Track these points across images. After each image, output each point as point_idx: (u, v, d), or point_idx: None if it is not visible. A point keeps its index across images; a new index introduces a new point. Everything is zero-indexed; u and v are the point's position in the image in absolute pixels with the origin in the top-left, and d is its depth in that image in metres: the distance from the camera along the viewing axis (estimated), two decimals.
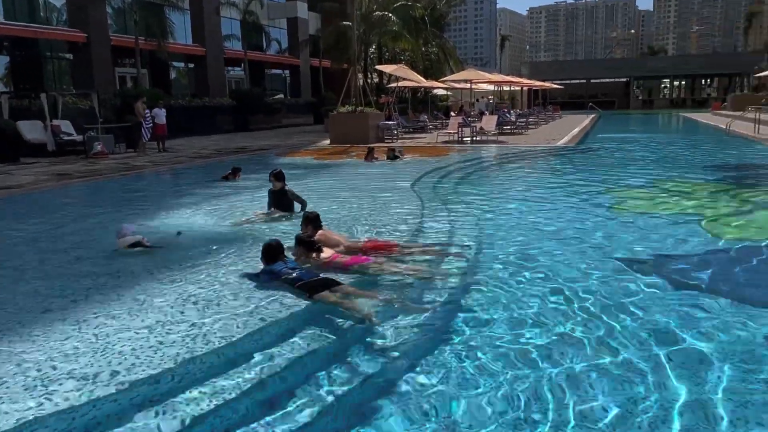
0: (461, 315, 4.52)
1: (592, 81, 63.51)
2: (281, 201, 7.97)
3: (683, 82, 65.01)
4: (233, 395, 3.28)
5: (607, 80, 64.34)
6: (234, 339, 3.84)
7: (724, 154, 16.88)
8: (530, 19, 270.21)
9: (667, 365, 3.63)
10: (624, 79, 63.79)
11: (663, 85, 68.60)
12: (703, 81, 66.62)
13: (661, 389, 3.34)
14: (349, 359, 3.80)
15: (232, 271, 5.35)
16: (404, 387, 3.45)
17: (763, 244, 6.48)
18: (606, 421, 3.05)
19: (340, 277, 4.97)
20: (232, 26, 35.06)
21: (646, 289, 5.03)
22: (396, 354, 3.90)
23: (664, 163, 15.31)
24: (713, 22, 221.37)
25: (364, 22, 32.00)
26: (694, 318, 4.39)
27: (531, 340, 4.04)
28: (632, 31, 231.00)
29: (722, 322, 4.27)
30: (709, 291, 4.93)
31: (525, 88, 45.37)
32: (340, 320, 4.37)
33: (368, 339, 4.09)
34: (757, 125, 21.71)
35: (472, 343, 4.01)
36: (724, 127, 24.62)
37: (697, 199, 9.30)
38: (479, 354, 3.84)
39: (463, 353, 3.87)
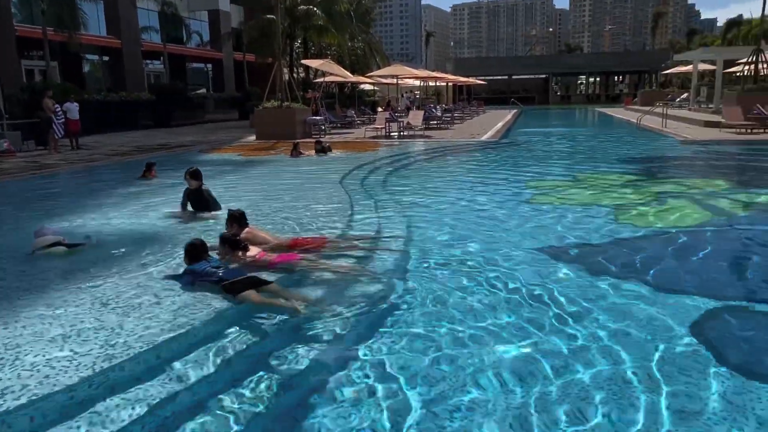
0: (392, 309, 4.56)
1: (514, 77, 65.50)
2: (199, 201, 7.70)
3: (598, 79, 68.23)
4: (157, 401, 3.17)
5: (528, 77, 66.58)
6: (156, 343, 3.69)
7: (635, 147, 17.86)
8: (454, 16, 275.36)
9: (591, 346, 3.81)
10: (543, 76, 66.22)
11: (579, 82, 71.74)
12: (615, 77, 70.16)
13: (583, 368, 3.51)
14: (278, 359, 3.75)
15: (153, 273, 5.14)
16: (337, 385, 3.44)
17: (673, 231, 6.92)
18: (530, 401, 3.16)
19: (268, 276, 4.89)
20: (149, 18, 33.66)
21: (565, 275, 5.27)
22: (327, 352, 3.89)
23: (582, 156, 16.05)
24: (624, 21, 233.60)
25: (288, 15, 31.57)
26: (608, 302, 4.62)
27: (461, 331, 4.13)
28: (550, 29, 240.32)
29: (633, 306, 4.53)
30: (623, 276, 5.22)
31: (450, 84, 46.21)
32: (268, 320, 4.30)
33: (298, 338, 4.06)
34: (664, 119, 23.11)
35: (404, 336, 4.06)
36: (635, 121, 26.06)
37: (611, 190, 9.80)
38: (411, 347, 3.90)
39: (396, 346, 3.91)
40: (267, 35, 29.67)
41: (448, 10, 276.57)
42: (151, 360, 3.57)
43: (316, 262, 5.46)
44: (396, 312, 4.51)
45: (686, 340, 3.93)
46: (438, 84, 44.33)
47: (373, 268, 5.47)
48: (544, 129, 27.39)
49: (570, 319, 4.29)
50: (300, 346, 3.93)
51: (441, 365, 3.64)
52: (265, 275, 4.86)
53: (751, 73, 24.24)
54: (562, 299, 4.69)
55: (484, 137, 20.32)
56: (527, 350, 3.82)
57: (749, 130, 19.10)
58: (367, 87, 41.95)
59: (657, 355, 3.71)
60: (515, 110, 42.24)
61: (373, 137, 20.82)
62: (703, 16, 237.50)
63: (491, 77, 60.57)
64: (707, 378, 3.41)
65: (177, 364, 3.56)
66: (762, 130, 18.90)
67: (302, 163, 13.88)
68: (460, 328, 4.18)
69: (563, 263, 5.66)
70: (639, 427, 2.95)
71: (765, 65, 24.04)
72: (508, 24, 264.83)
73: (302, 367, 3.68)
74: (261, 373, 3.56)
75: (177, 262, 5.26)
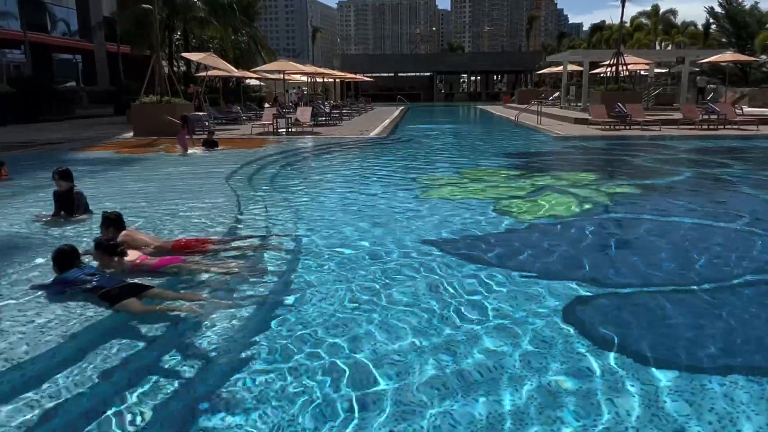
0: (281, 308, 4.49)
1: (400, 75, 66.79)
2: (69, 204, 7.10)
3: (479, 78, 71.32)
4: (29, 419, 2.88)
5: (413, 74, 68.19)
6: (23, 360, 3.36)
7: (514, 143, 18.88)
8: (340, 13, 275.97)
9: (477, 330, 3.97)
10: (428, 74, 68.10)
11: (462, 80, 74.61)
12: (495, 77, 73.69)
13: (467, 352, 3.64)
14: (164, 368, 3.56)
15: (18, 283, 4.68)
16: (225, 390, 3.33)
17: (549, 222, 7.39)
18: (417, 387, 3.24)
19: (150, 281, 4.62)
20: (7, 2, 30.62)
21: (452, 267, 5.45)
22: (216, 357, 3.74)
23: (465, 151, 16.70)
24: (502, 24, 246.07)
25: (166, 5, 29.99)
26: (491, 290, 4.84)
27: (352, 327, 4.14)
28: (433, 29, 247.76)
29: (515, 293, 4.78)
30: (505, 265, 5.49)
31: (338, 81, 46.25)
32: (152, 327, 4.06)
33: (184, 345, 3.87)
34: (539, 117, 24.61)
35: (295, 336, 4.00)
36: (513, 118, 27.54)
37: (493, 183, 10.29)
38: (303, 347, 3.85)
39: (288, 347, 3.84)
40: (143, 26, 27.98)
41: (335, 6, 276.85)
42: (15, 379, 3.24)
43: (202, 263, 5.24)
44: (287, 311, 4.44)
45: (560, 322, 4.21)
46: (326, 80, 44.20)
47: (262, 268, 5.34)
48: (430, 125, 28.19)
49: (457, 308, 4.45)
50: (187, 353, 3.76)
51: (335, 363, 3.63)
52: (146, 281, 4.59)
53: (612, 74, 26.44)
54: (450, 289, 4.86)
55: (373, 134, 20.55)
56: (417, 340, 3.91)
57: (612, 127, 20.85)
58: (253, 82, 40.93)
59: (532, 337, 3.94)
60: (402, 107, 43.13)
61: (261, 134, 20.37)
62: (570, 21, 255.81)
63: (378, 74, 61.37)
64: (579, 357, 3.68)
65: (49, 381, 3.26)
66: (623, 127, 20.70)
67: (187, 161, 13.27)
68: (351, 324, 4.19)
69: (450, 255, 5.87)
70: (520, 404, 3.12)
71: (624, 67, 26.33)
72: (394, 22, 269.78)
73: (190, 375, 3.51)
74: (144, 383, 3.35)
75: (43, 271, 4.83)
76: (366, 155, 15.87)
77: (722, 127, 20.41)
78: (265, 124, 21.77)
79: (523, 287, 4.95)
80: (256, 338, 3.99)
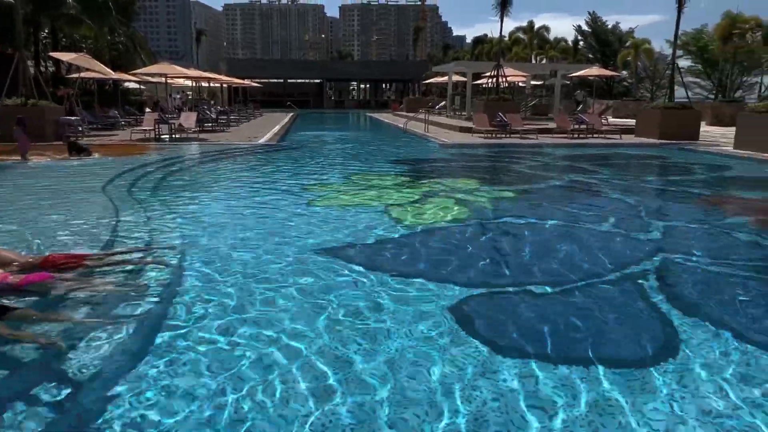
0: (163, 327, 4.24)
1: (290, 81, 66.23)
2: None
3: (368, 85, 72.40)
4: None
5: (303, 80, 67.88)
6: None
7: (403, 150, 19.30)
8: (226, 16, 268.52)
9: (374, 334, 3.98)
10: (318, 81, 68.08)
11: (351, 87, 75.35)
12: (384, 85, 75.14)
13: (363, 357, 3.64)
14: (33, 397, 3.24)
15: None
16: (102, 416, 3.08)
17: (437, 227, 7.60)
18: (316, 395, 3.19)
19: (15, 301, 4.20)
20: None
21: (343, 274, 5.44)
22: (89, 383, 3.46)
23: (356, 158, 16.83)
24: (389, 33, 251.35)
25: (30, 1, 27.63)
26: (383, 295, 4.89)
27: (245, 342, 4.01)
28: (323, 35, 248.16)
29: (408, 297, 4.87)
30: (394, 270, 5.57)
31: (225, 85, 44.94)
32: (17, 352, 3.69)
33: (53, 371, 3.54)
34: (426, 125, 25.37)
35: (178, 357, 3.79)
36: (402, 126, 28.18)
37: (384, 190, 10.43)
38: (186, 367, 3.66)
39: (171, 368, 3.63)
40: (4, 22, 25.56)
41: (220, 9, 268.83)
42: None
43: (75, 280, 4.85)
44: (169, 329, 4.20)
45: (449, 323, 4.34)
46: (212, 85, 42.78)
47: (143, 283, 5.03)
48: (321, 132, 28.16)
49: (350, 314, 4.44)
50: (57, 379, 3.44)
51: (221, 382, 3.48)
52: (10, 301, 4.16)
53: (493, 85, 27.86)
54: (341, 296, 4.84)
55: (262, 140, 20.16)
56: (312, 348, 3.85)
57: (494, 135, 21.94)
58: (133, 85, 38.71)
59: (423, 338, 4.03)
60: (292, 113, 42.73)
61: (141, 140, 19.30)
62: (455, 33, 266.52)
63: (267, 80, 60.46)
64: (466, 356, 3.81)
65: None
66: (503, 135, 21.85)
67: (58, 168, 12.26)
68: (243, 339, 4.05)
69: (341, 261, 5.86)
70: (416, 399, 3.16)
71: (504, 79, 27.84)
72: (282, 28, 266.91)
73: (63, 399, 3.22)
74: (12, 415, 3.03)
75: None
76: (255, 162, 15.53)
77: (591, 135, 22.14)
78: (146, 129, 20.64)
79: (412, 289, 5.05)
80: (136, 361, 3.74)
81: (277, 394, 3.34)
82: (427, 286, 5.21)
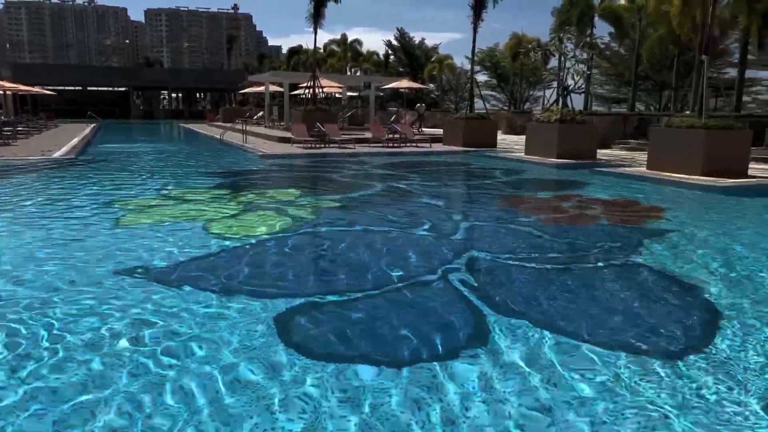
0: None
1: (90, 88, 60.60)
2: None
3: (180, 94, 68.93)
4: None
5: (107, 88, 62.54)
6: None
7: (221, 162, 18.67)
8: (8, 15, 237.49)
9: (202, 361, 3.75)
10: (123, 89, 63.19)
11: (162, 96, 71.12)
12: (198, 94, 72.04)
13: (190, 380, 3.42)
14: None
15: None
16: None
17: (258, 240, 7.44)
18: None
19: None
20: None
21: (159, 295, 5.08)
22: None
23: (169, 171, 15.88)
24: (201, 40, 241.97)
25: None
26: (201, 314, 4.66)
27: (42, 389, 3.54)
28: (127, 41, 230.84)
29: (226, 314, 4.69)
30: (216, 288, 5.34)
31: (9, 93, 39.65)
32: None
33: None
34: (244, 135, 24.84)
35: None
36: (219, 137, 27.26)
37: (201, 204, 9.97)
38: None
39: None
40: None
41: (0, 6, 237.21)
42: None
43: None
44: None
45: (270, 337, 4.27)
46: None
47: None
48: (128, 144, 26.13)
49: (163, 336, 4.16)
50: None
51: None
52: None
53: (310, 95, 28.19)
54: (158, 320, 4.52)
55: (58, 154, 18.14)
56: (119, 374, 3.53)
57: (313, 145, 22.19)
58: None
59: (246, 355, 3.91)
60: (94, 124, 39.11)
61: None
62: (270, 43, 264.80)
63: (63, 87, 54.68)
64: (289, 367, 3.77)
65: None
66: (322, 145, 22.20)
67: None
68: (44, 380, 3.58)
69: (156, 282, 5.47)
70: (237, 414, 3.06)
71: (320, 89, 28.31)
72: (79, 30, 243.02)
73: None
74: None
75: None
76: (50, 179, 13.88)
77: (404, 144, 23.42)
78: None
79: (234, 306, 4.88)
80: None
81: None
82: (247, 300, 5.07)
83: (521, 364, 3.94)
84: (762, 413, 3.35)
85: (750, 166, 14.88)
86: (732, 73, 37.21)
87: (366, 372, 3.79)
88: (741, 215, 10.58)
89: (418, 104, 36.34)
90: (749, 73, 35.16)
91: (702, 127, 14.24)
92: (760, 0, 26.14)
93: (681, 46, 32.34)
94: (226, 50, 74.13)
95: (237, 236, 7.59)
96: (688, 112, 19.97)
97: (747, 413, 3.35)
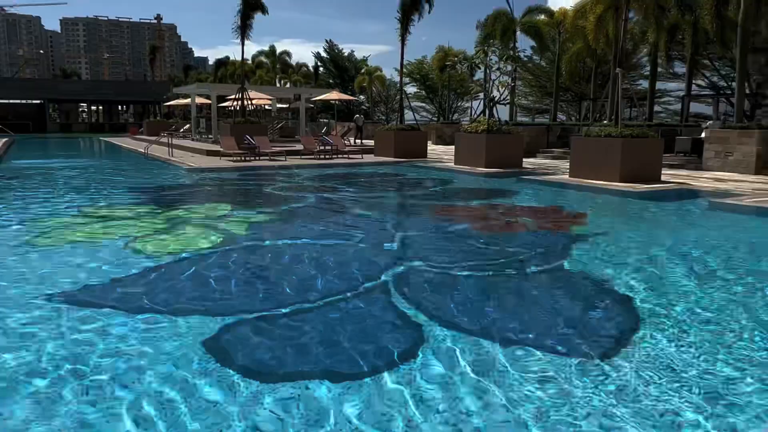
0: None
1: (1, 101, 57.13)
2: None
3: (101, 107, 66.05)
4: None
5: (19, 101, 59.11)
6: None
7: (146, 177, 17.99)
8: None
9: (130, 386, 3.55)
10: (38, 101, 59.91)
11: (81, 109, 67.92)
12: (120, 107, 69.26)
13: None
14: None
15: None
16: None
17: (187, 257, 7.19)
18: None
19: None
20: None
21: (82, 320, 4.80)
22: None
23: (90, 188, 15.14)
24: (123, 51, 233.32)
25: None
26: (131, 336, 4.44)
27: None
28: (41, 51, 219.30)
29: (154, 336, 4.48)
30: (140, 309, 5.11)
31: None
32: None
33: None
34: (170, 149, 24.08)
35: None
36: (143, 151, 26.28)
37: (124, 221, 9.55)
38: None
39: None
40: None
41: None
42: None
43: None
44: None
45: (202, 358, 4.12)
46: None
47: None
48: (44, 160, 24.77)
49: (95, 364, 3.93)
50: None
51: None
52: None
53: (239, 107, 27.70)
54: (84, 345, 4.26)
55: None
56: (44, 406, 3.30)
57: (243, 158, 21.78)
58: None
59: (177, 377, 3.76)
60: (6, 139, 36.86)
61: None
62: (196, 54, 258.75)
63: None
64: (221, 386, 3.65)
65: None
66: (253, 158, 21.83)
67: None
68: None
69: (78, 306, 5.17)
70: None
71: (249, 101, 27.88)
72: None
73: None
74: None
75: None
76: None
77: (336, 156, 23.38)
78: None
79: (162, 326, 4.68)
80: None
81: None
82: (175, 320, 4.88)
83: (455, 370, 3.98)
84: (684, 407, 3.52)
85: (663, 171, 15.79)
86: (644, 84, 39.53)
87: (297, 388, 3.71)
88: (656, 219, 11.19)
89: (357, 115, 36.43)
90: (659, 85, 37.54)
91: (618, 136, 14.99)
92: (666, 16, 27.96)
93: (597, 59, 34.09)
94: (149, 61, 71.64)
95: (162, 254, 7.31)
96: (605, 122, 21.04)
97: (670, 407, 3.51)
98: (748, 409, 3.50)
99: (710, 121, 23.93)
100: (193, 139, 33.04)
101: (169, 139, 25.19)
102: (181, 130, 38.00)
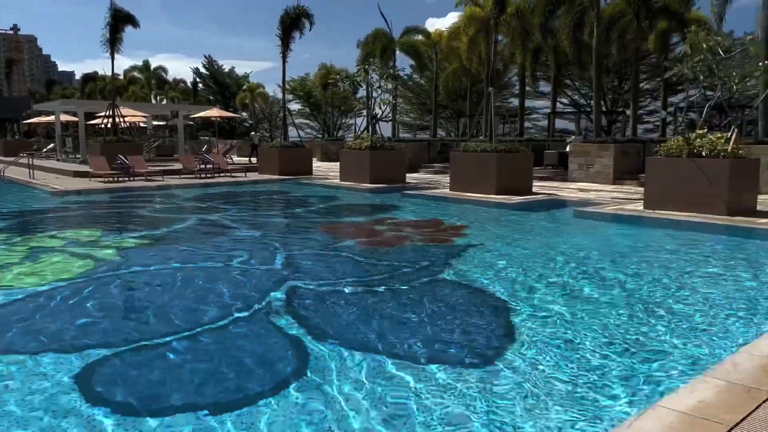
0: None
1: None
2: None
3: None
4: None
5: None
6: None
7: (2, 202, 16.36)
8: None
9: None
10: None
11: None
12: None
13: None
14: None
15: None
16: None
17: (55, 286, 6.61)
18: None
19: None
20: None
21: None
22: None
23: None
24: None
25: None
26: None
27: None
28: None
29: (15, 376, 4.07)
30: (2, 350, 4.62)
31: None
32: None
33: None
34: (31, 170, 22.10)
35: None
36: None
37: None
38: None
39: None
40: None
41: None
42: None
43: None
44: None
45: (73, 395, 3.79)
46: None
47: None
48: None
49: None
50: None
51: None
52: None
53: (110, 125, 26.07)
54: None
55: None
56: None
57: (115, 179, 20.48)
58: None
59: (38, 420, 3.43)
60: None
61: None
62: (60, 68, 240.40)
63: None
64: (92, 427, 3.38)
65: None
66: (127, 178, 20.59)
67: None
68: None
69: None
70: None
71: (122, 119, 26.34)
72: None
73: None
74: None
75: None
76: None
77: (218, 175, 22.66)
78: None
79: (23, 366, 4.25)
80: None
81: None
82: (43, 357, 4.46)
83: (345, 389, 3.97)
84: (559, 409, 3.75)
85: (534, 183, 16.90)
86: (515, 102, 42.16)
87: (185, 419, 3.53)
88: (530, 228, 11.93)
89: (253, 132, 35.53)
90: (528, 103, 40.18)
91: (493, 150, 15.86)
92: (531, 39, 30.10)
93: (472, 78, 35.93)
94: (5, 75, 65.58)
95: (20, 286, 6.66)
96: (481, 138, 22.20)
97: (546, 411, 3.73)
98: (618, 391, 3.80)
99: (573, 137, 26.02)
100: (58, 160, 30.57)
101: (30, 159, 23.12)
102: (44, 149, 35.05)
